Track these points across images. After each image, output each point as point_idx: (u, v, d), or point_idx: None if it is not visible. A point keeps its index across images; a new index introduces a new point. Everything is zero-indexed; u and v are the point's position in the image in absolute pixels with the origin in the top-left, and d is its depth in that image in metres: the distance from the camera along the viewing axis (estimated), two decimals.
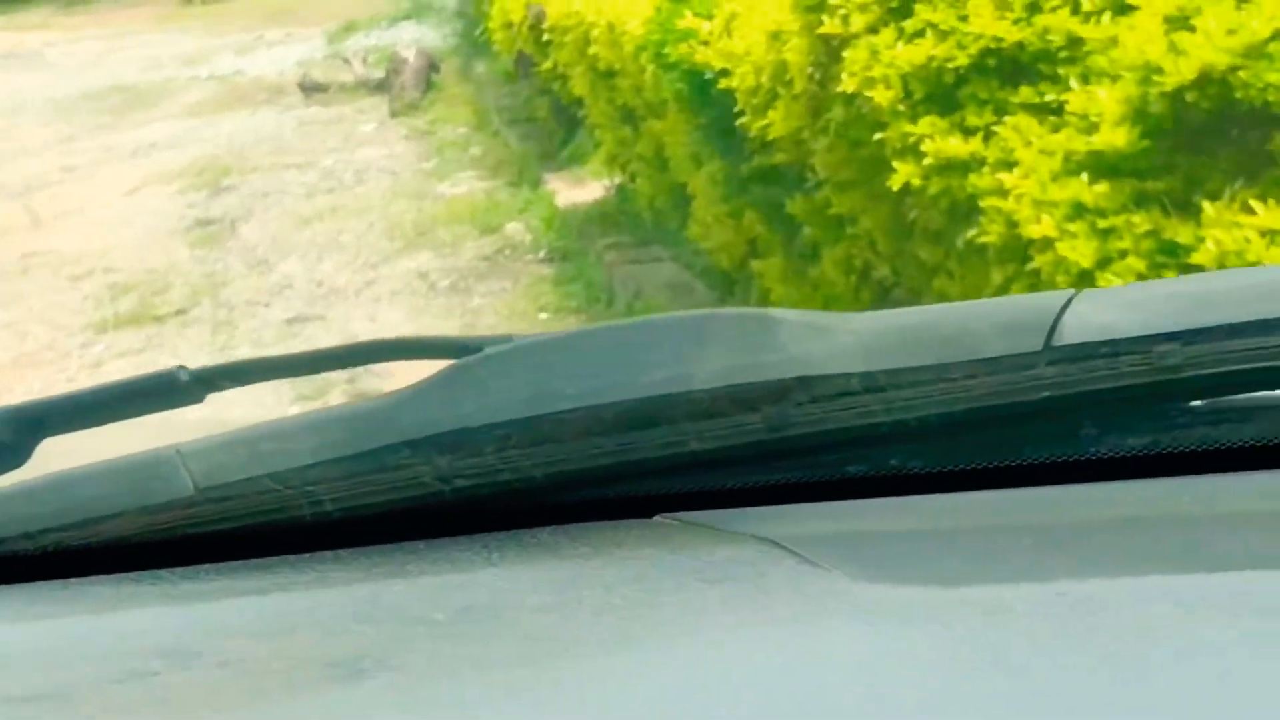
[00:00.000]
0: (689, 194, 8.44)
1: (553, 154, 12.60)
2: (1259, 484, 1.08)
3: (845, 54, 4.27)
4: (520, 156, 13.02)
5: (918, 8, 4.13)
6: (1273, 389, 1.07)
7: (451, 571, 1.07)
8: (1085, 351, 1.03)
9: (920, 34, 4.09)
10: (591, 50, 9.16)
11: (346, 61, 17.49)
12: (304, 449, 1.12)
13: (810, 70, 4.55)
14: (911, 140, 4.03)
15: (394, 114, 15.67)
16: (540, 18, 11.42)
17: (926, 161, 3.96)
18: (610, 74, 9.31)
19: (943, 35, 4.05)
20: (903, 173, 4.01)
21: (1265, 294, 1.06)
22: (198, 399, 1.29)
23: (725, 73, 5.72)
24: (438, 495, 1.10)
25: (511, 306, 10.08)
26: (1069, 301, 1.05)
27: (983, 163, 3.90)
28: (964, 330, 1.07)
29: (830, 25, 4.34)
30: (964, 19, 4.03)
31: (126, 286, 10.94)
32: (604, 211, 10.58)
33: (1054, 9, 3.93)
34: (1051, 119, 3.86)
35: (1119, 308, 1.06)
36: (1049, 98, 3.90)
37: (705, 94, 6.01)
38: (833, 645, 0.91)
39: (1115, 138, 3.52)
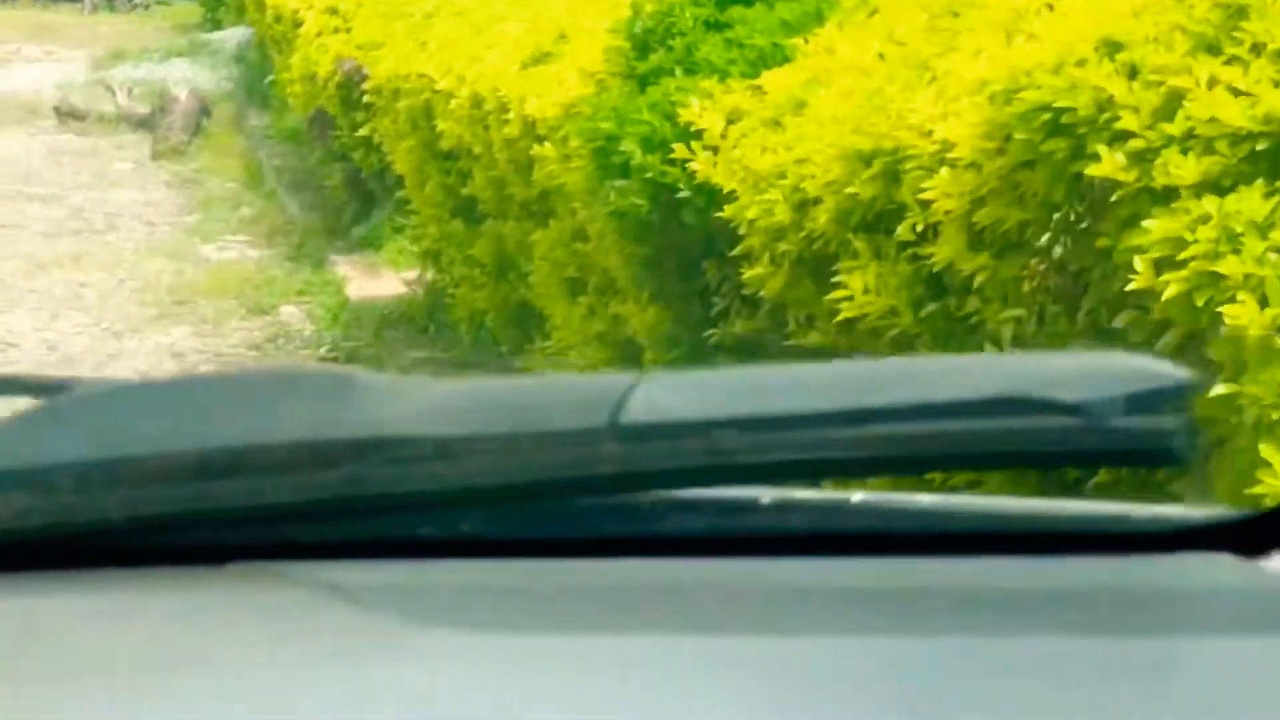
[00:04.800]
0: (539, 315, 6.34)
1: (342, 231, 10.32)
2: (809, 569, 1.09)
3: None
4: (301, 228, 10.74)
5: None
6: (821, 478, 1.08)
7: (20, 605, 1.04)
8: (647, 431, 1.02)
9: None
10: (437, 124, 6.96)
11: (110, 90, 15.31)
12: None
13: (1069, 213, 2.35)
14: None
15: (156, 155, 13.68)
16: (356, 74, 9.22)
17: None
18: (451, 155, 7.13)
19: None
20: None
21: (820, 389, 1.05)
22: None
23: (732, 197, 3.58)
24: (13, 533, 1.05)
25: None
26: (636, 382, 1.04)
27: None
28: (535, 403, 1.06)
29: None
30: None
31: None
32: (408, 313, 8.33)
33: None
34: None
35: (683, 390, 1.06)
36: None
37: (676, 220, 3.88)
38: (363, 681, 0.92)
39: None
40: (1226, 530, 1.07)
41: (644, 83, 4.22)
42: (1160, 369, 1.01)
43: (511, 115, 5.61)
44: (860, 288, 2.98)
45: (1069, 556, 1.08)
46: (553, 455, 1.03)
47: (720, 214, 3.63)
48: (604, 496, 1.07)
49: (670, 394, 1.04)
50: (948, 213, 2.67)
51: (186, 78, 16.19)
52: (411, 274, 8.77)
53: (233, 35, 17.30)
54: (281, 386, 1.10)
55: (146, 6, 22.85)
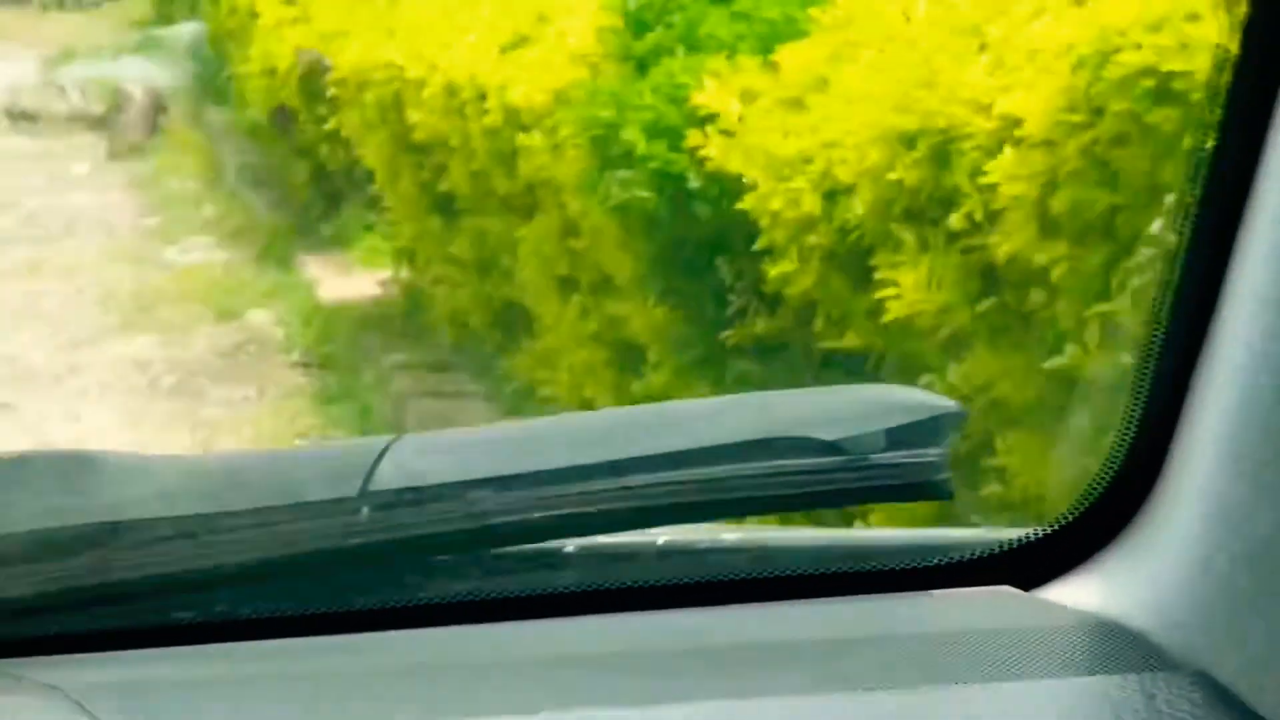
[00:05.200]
0: (527, 315, 6.03)
1: (310, 229, 10.00)
2: (582, 628, 1.05)
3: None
4: (267, 227, 10.42)
5: None
6: (581, 535, 1.03)
7: None
8: (400, 498, 0.99)
9: None
10: (409, 115, 6.63)
11: (63, 90, 15.00)
12: None
13: (1184, 194, 2.07)
14: None
15: (113, 156, 13.44)
16: (318, 67, 8.91)
17: None
18: (425, 148, 6.81)
19: None
20: None
21: (573, 440, 1.03)
22: None
23: (750, 186, 3.27)
24: None
25: (257, 423, 7.51)
26: (388, 447, 1.01)
27: None
28: (286, 476, 1.03)
29: None
30: None
31: None
32: (385, 315, 8.01)
33: None
34: None
35: (436, 453, 1.03)
36: None
37: (686, 213, 3.57)
38: None
39: None
40: (1006, 560, 1.04)
41: (642, 64, 3.92)
42: (922, 400, 0.99)
43: (491, 104, 5.29)
44: (911, 284, 2.68)
45: (847, 598, 1.04)
46: (305, 529, 1.00)
47: (737, 205, 3.33)
48: (363, 568, 1.03)
49: (423, 457, 1.02)
50: (1015, 198, 2.37)
51: (141, 75, 15.89)
52: (385, 273, 8.47)
53: (186, 30, 16.99)
54: (7, 473, 1.05)
55: (97, 4, 22.49)
